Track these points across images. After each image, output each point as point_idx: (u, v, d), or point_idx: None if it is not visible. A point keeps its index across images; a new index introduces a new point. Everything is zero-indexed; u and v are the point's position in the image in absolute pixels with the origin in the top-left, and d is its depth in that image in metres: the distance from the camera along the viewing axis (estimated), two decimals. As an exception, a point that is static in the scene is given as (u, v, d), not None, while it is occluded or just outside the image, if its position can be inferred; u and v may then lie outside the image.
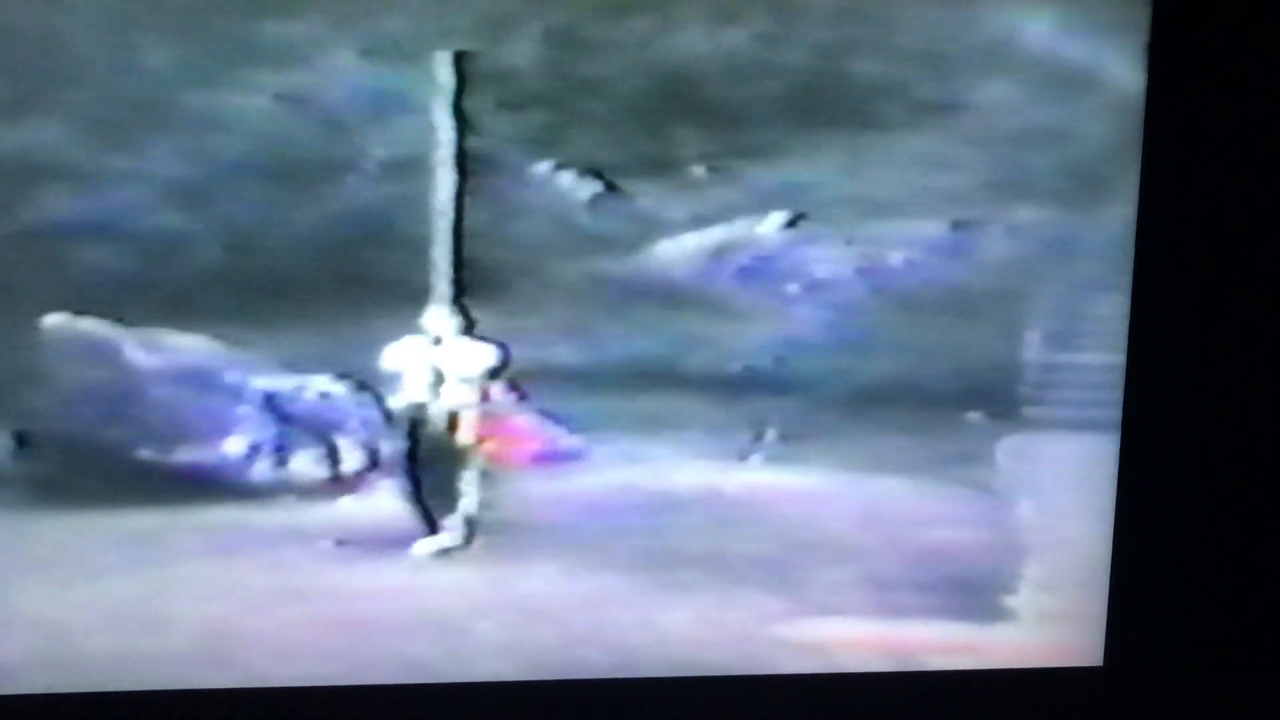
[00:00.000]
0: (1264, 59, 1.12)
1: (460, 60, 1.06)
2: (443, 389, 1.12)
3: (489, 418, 1.13)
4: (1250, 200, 1.15)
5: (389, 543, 1.15)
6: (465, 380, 1.12)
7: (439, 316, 1.11)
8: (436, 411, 1.13)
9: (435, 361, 1.12)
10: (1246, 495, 1.21)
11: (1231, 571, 1.22)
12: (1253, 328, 1.17)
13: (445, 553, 1.15)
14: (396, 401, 1.12)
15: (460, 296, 1.10)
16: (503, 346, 1.12)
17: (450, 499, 1.15)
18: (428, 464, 1.14)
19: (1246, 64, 1.12)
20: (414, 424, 1.13)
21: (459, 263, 1.10)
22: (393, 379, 1.12)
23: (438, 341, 1.11)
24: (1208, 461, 1.19)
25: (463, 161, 1.08)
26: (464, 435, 1.14)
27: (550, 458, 1.15)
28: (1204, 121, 1.12)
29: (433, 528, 1.15)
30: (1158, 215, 1.13)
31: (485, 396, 1.13)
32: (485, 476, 1.15)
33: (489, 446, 1.14)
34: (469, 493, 1.15)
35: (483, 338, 1.12)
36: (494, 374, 1.12)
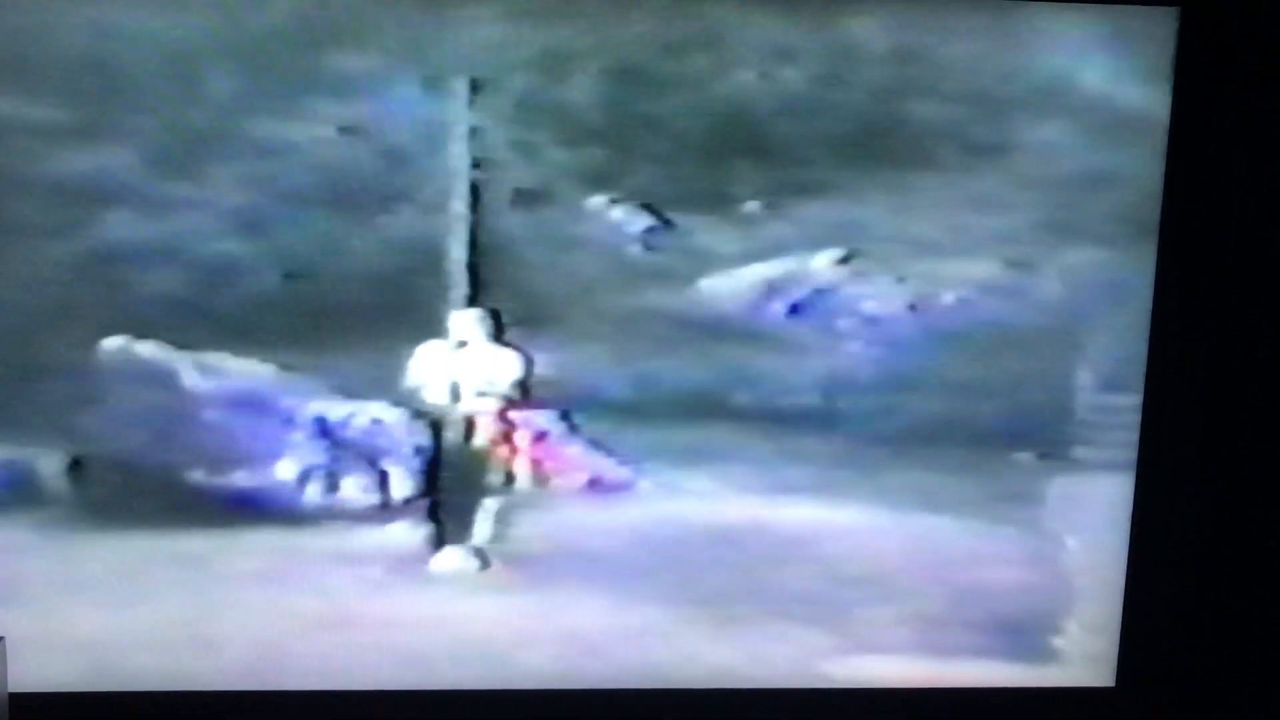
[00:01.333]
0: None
1: (520, 94, 1.08)
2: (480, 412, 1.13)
3: (540, 445, 1.14)
4: (1273, 240, 1.15)
5: (435, 570, 1.15)
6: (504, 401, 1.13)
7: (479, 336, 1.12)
8: (480, 436, 1.14)
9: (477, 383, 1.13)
10: (1256, 526, 1.20)
11: (1244, 599, 1.22)
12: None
13: (488, 582, 1.15)
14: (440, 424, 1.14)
15: (506, 326, 1.12)
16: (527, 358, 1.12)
17: (497, 527, 1.15)
18: (473, 491, 1.15)
19: (1275, 114, 1.13)
20: (459, 449, 1.14)
21: (511, 293, 1.11)
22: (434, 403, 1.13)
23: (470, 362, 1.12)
24: (1222, 493, 1.19)
25: (519, 194, 1.09)
26: (510, 461, 1.14)
27: (598, 488, 1.15)
28: (1227, 167, 1.13)
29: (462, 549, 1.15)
30: (1178, 259, 1.14)
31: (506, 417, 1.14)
32: (531, 506, 1.15)
33: (538, 471, 1.15)
34: (515, 522, 1.15)
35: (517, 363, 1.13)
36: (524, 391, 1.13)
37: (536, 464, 1.15)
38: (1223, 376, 1.17)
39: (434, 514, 1.15)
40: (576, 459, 1.14)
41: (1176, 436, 1.17)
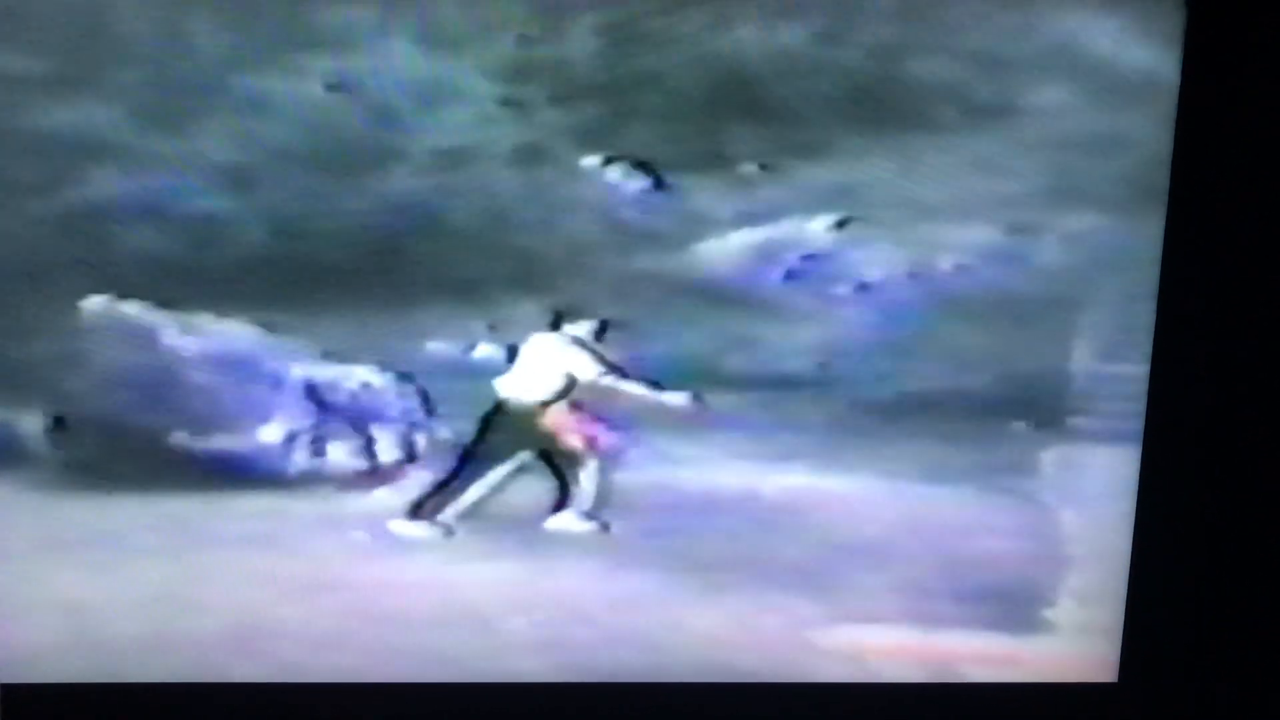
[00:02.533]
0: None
1: (513, 51, 1.05)
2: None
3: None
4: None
5: (425, 535, 1.14)
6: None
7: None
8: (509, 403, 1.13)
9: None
10: (1266, 515, 1.19)
11: (1248, 589, 1.21)
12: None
13: (477, 547, 1.14)
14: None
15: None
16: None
17: (489, 493, 1.14)
18: (474, 457, 1.13)
19: None
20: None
21: (502, 256, 1.09)
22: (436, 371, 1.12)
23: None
24: (1229, 479, 1.18)
25: (512, 153, 1.07)
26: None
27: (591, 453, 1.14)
28: (1237, 136, 1.11)
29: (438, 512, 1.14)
30: (1186, 227, 1.12)
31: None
32: (524, 470, 1.14)
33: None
34: (505, 487, 1.14)
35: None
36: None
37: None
38: (1231, 347, 1.15)
39: (421, 479, 1.13)
40: (568, 424, 1.13)
41: (1183, 407, 1.15)
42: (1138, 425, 1.15)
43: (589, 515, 1.14)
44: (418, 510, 1.13)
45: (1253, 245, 1.13)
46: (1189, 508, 1.17)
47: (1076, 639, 1.19)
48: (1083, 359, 1.14)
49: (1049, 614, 1.19)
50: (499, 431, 1.12)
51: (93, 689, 1.14)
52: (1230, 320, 1.15)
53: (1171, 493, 1.17)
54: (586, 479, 1.13)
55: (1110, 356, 1.14)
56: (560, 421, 1.12)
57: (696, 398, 1.11)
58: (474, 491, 1.13)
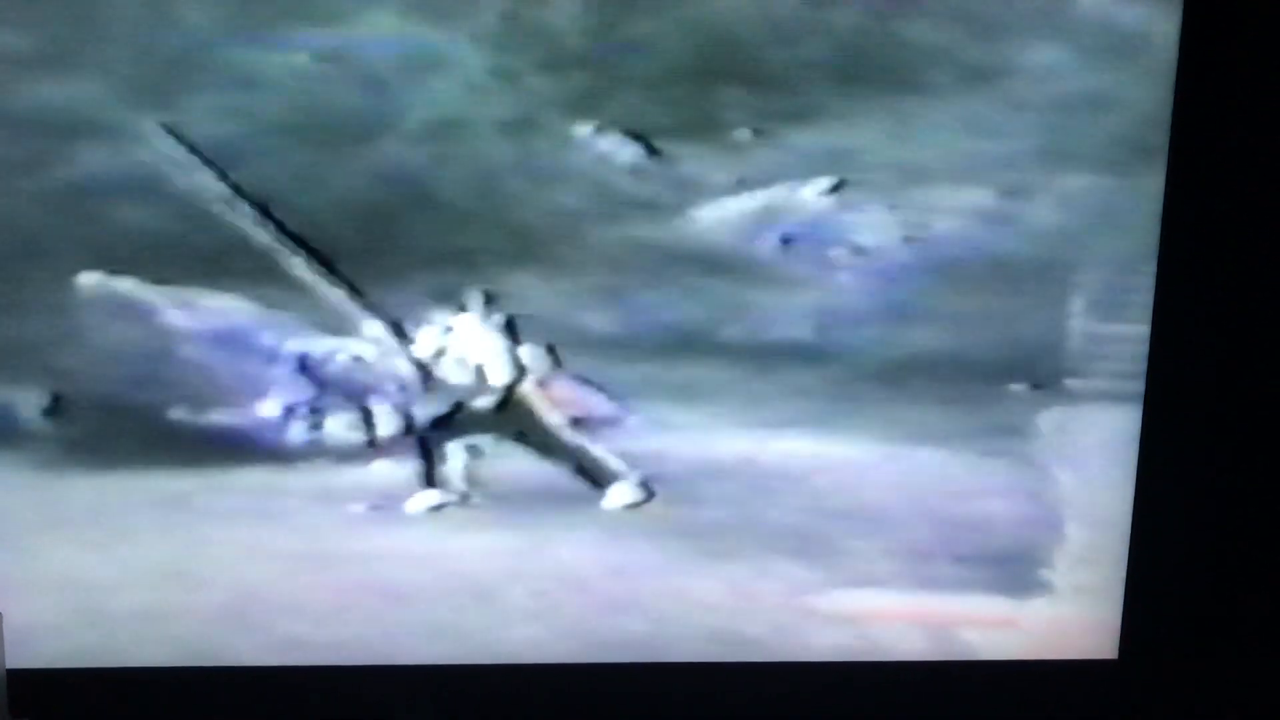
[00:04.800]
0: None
1: (501, 19, 1.05)
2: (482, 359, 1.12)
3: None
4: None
5: (421, 507, 1.14)
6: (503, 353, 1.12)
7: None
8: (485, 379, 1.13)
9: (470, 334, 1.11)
10: (1268, 492, 1.19)
11: (1248, 566, 1.21)
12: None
13: (475, 518, 1.14)
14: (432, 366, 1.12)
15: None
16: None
17: (483, 464, 1.14)
18: (465, 430, 1.13)
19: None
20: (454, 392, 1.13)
21: (495, 226, 1.09)
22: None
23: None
24: (1231, 457, 1.18)
25: (502, 123, 1.07)
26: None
27: (586, 424, 1.14)
28: (1237, 97, 1.10)
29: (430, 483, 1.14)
30: (1187, 189, 1.11)
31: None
32: (519, 443, 1.14)
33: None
34: (501, 458, 1.14)
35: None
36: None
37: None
38: (1233, 307, 1.15)
39: (422, 452, 1.13)
40: (564, 395, 1.13)
41: (1186, 367, 1.15)
42: (1136, 386, 1.15)
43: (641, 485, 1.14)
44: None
45: (1254, 204, 1.13)
46: (1191, 468, 1.17)
47: (1076, 600, 1.19)
48: (1079, 320, 1.14)
49: (1048, 576, 1.19)
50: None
51: (93, 673, 1.15)
52: (1232, 281, 1.14)
53: (1173, 454, 1.17)
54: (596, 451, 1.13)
55: (1107, 317, 1.14)
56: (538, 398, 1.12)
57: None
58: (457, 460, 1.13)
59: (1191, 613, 1.21)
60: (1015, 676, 1.21)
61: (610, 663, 1.18)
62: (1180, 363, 1.15)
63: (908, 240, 1.11)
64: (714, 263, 1.10)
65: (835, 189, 1.10)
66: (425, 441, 1.13)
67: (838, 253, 1.11)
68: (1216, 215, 1.12)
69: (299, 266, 1.08)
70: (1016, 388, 1.14)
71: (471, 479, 1.14)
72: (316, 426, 1.12)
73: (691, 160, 1.08)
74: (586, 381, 1.12)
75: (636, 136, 1.07)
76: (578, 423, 1.13)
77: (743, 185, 1.09)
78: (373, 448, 1.13)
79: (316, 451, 1.12)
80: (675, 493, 1.15)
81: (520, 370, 1.11)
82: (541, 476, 1.14)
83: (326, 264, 1.08)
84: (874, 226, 1.11)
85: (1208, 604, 1.21)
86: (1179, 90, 1.09)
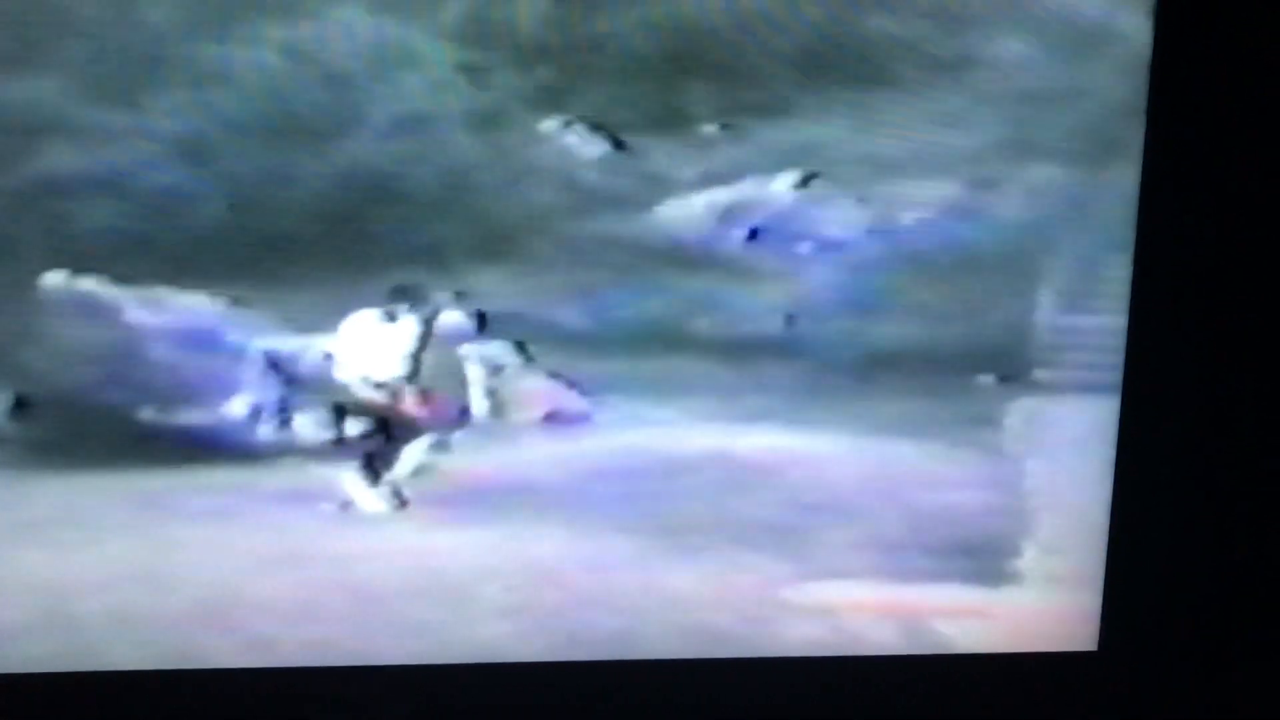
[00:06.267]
0: (1275, 21, 1.10)
1: (465, 14, 1.04)
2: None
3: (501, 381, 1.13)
4: (1258, 166, 1.13)
5: (392, 506, 1.14)
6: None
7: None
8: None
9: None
10: (1248, 481, 1.20)
11: (1230, 557, 1.21)
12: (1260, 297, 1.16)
13: (447, 516, 1.14)
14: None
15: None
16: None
17: (454, 461, 1.14)
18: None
19: (1256, 27, 1.10)
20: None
21: (463, 221, 1.08)
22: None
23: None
24: (1211, 445, 1.18)
25: (468, 118, 1.06)
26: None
27: (556, 420, 1.13)
28: (1211, 83, 1.10)
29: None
30: (1162, 178, 1.12)
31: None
32: (488, 438, 1.13)
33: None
34: (472, 456, 1.13)
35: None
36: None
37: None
38: (1210, 295, 1.15)
39: (389, 450, 1.13)
40: (533, 391, 1.13)
41: (1162, 358, 1.15)
42: (1107, 376, 1.16)
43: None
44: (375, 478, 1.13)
45: (1231, 191, 1.13)
46: (1171, 458, 1.18)
47: (1050, 589, 1.20)
48: (1049, 312, 1.14)
49: (1021, 565, 1.19)
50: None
51: (61, 678, 1.14)
52: (1208, 269, 1.14)
53: (1152, 444, 1.17)
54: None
55: (1077, 309, 1.14)
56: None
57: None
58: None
59: (1173, 604, 1.21)
60: (994, 669, 1.21)
61: (585, 660, 1.18)
62: (1158, 352, 1.15)
63: (876, 233, 1.11)
64: (683, 257, 1.10)
65: (804, 183, 1.10)
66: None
67: (806, 246, 1.11)
68: (1193, 205, 1.12)
69: (266, 263, 1.07)
70: (985, 379, 1.15)
71: (440, 476, 1.13)
72: (285, 424, 1.11)
73: (659, 155, 1.08)
74: (557, 377, 1.12)
75: (604, 131, 1.07)
76: (549, 419, 1.13)
77: (711, 179, 1.09)
78: (342, 445, 1.12)
79: (286, 450, 1.12)
80: (647, 487, 1.15)
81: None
82: (515, 472, 1.14)
83: (292, 261, 1.08)
84: (843, 220, 1.11)
85: (1189, 595, 1.21)
86: (1153, 77, 1.09)
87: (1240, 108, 1.11)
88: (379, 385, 1.11)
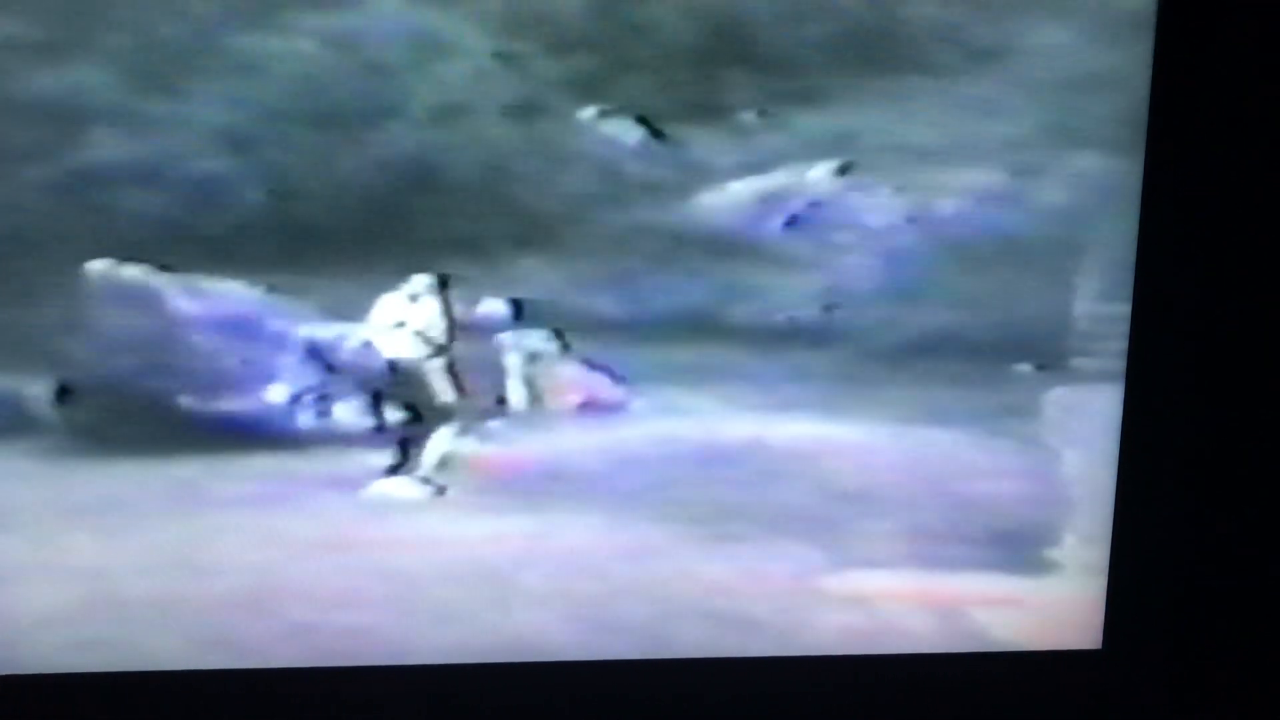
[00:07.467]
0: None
1: (506, 3, 1.05)
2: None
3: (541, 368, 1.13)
4: (1263, 153, 1.12)
5: (432, 492, 1.15)
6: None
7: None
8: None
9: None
10: (1255, 477, 1.19)
11: (1237, 555, 1.21)
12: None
13: (485, 504, 1.15)
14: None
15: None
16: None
17: (493, 449, 1.14)
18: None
19: (1257, 24, 1.09)
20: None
21: (502, 211, 1.09)
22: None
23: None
24: (1216, 447, 1.18)
25: (508, 107, 1.07)
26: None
27: (593, 408, 1.14)
28: (1217, 68, 1.09)
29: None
30: (1166, 167, 1.11)
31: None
32: (525, 427, 1.14)
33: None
34: (510, 444, 1.14)
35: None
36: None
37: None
38: (1215, 286, 1.14)
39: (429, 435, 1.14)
40: (570, 379, 1.13)
41: (1167, 346, 1.15)
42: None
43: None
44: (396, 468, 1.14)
45: (1237, 179, 1.12)
46: (1177, 456, 1.17)
47: (1080, 578, 1.20)
48: (1087, 300, 1.14)
49: (1054, 554, 1.19)
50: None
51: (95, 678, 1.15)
52: (1214, 254, 1.14)
53: (1158, 440, 1.17)
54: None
55: (1114, 297, 1.14)
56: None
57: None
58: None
59: (1178, 602, 1.21)
60: (1002, 666, 1.21)
61: (618, 659, 1.19)
62: (1158, 352, 1.15)
63: (914, 221, 1.11)
64: (720, 246, 1.11)
65: (841, 171, 1.10)
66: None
67: (844, 235, 1.11)
68: (1197, 192, 1.12)
69: (306, 252, 1.08)
70: (1023, 368, 1.14)
71: (471, 464, 1.14)
72: (325, 413, 1.12)
73: (697, 143, 1.08)
74: (593, 365, 1.13)
75: (642, 120, 1.07)
76: (585, 407, 1.14)
77: (749, 168, 1.09)
78: (382, 433, 1.13)
79: (326, 437, 1.13)
80: (683, 475, 1.15)
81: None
82: (551, 460, 1.15)
83: (332, 249, 1.08)
84: (881, 208, 1.11)
85: (1195, 593, 1.21)
86: (1157, 67, 1.09)
87: (1249, 99, 1.10)
88: (438, 348, 1.11)
